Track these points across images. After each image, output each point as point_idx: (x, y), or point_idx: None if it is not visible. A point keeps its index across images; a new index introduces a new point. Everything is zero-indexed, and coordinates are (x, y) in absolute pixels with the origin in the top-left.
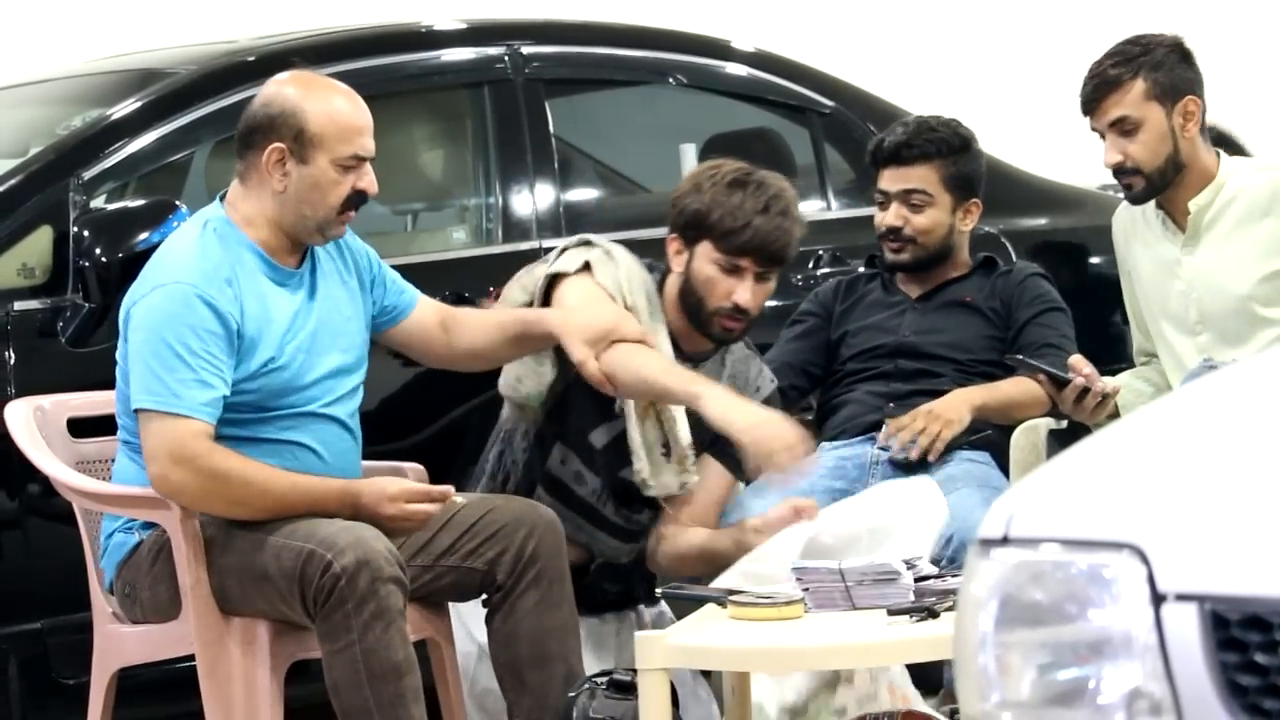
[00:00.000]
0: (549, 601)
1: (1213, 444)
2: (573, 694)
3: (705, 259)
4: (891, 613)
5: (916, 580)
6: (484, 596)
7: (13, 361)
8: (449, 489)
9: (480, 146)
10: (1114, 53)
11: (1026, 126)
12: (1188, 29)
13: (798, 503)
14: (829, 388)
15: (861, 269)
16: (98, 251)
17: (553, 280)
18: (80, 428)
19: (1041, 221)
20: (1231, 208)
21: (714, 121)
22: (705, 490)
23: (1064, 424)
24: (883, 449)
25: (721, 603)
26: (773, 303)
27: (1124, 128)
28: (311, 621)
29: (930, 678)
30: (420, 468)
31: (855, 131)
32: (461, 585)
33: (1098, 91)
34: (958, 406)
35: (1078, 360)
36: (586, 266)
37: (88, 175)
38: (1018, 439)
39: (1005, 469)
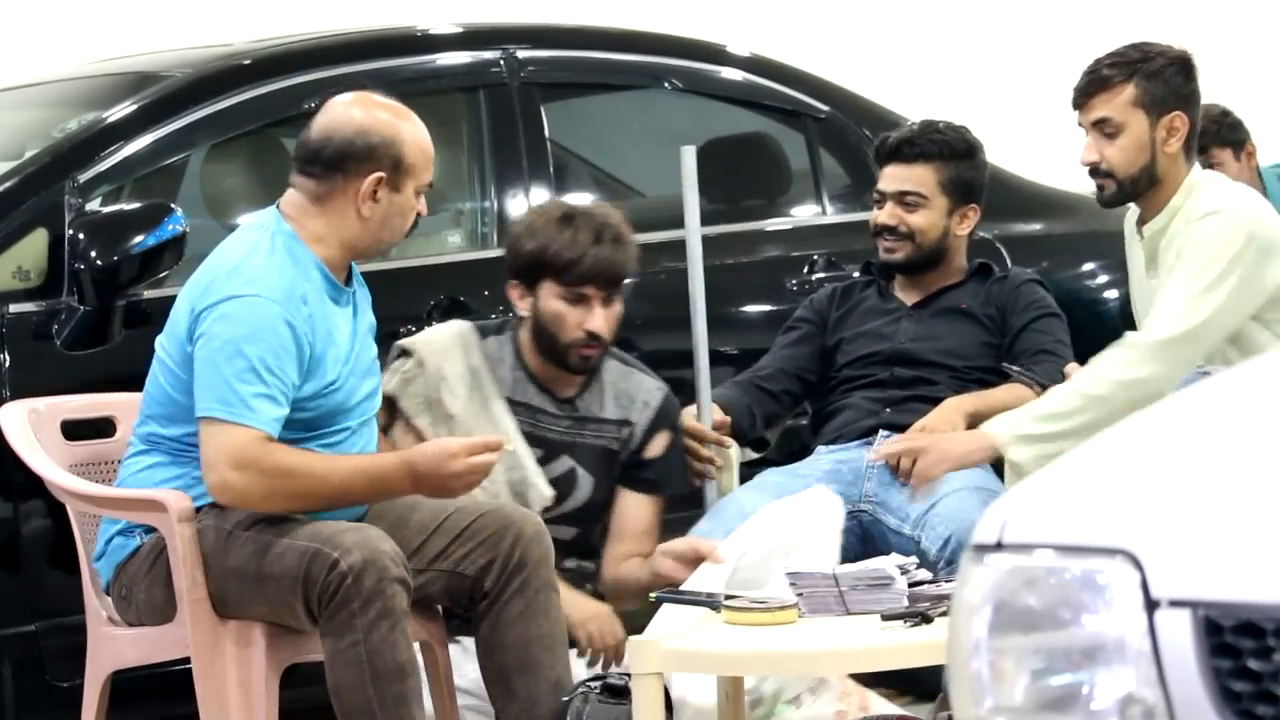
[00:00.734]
0: (535, 610)
1: (1206, 450)
2: (566, 698)
3: (550, 296)
4: (885, 618)
5: (910, 585)
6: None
7: (8, 364)
8: (502, 437)
9: (476, 150)
10: (1115, 53)
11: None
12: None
13: (700, 546)
14: (825, 394)
15: (856, 275)
16: (93, 254)
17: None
18: (75, 430)
19: (1037, 227)
20: (1175, 241)
21: (709, 126)
22: (631, 521)
23: None
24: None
25: (716, 607)
26: (767, 307)
27: (1105, 129)
28: (313, 622)
29: (924, 683)
30: None
31: (850, 136)
32: (453, 591)
33: (1088, 88)
34: (950, 417)
35: (1074, 369)
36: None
37: (83, 178)
38: None
39: (1000, 474)
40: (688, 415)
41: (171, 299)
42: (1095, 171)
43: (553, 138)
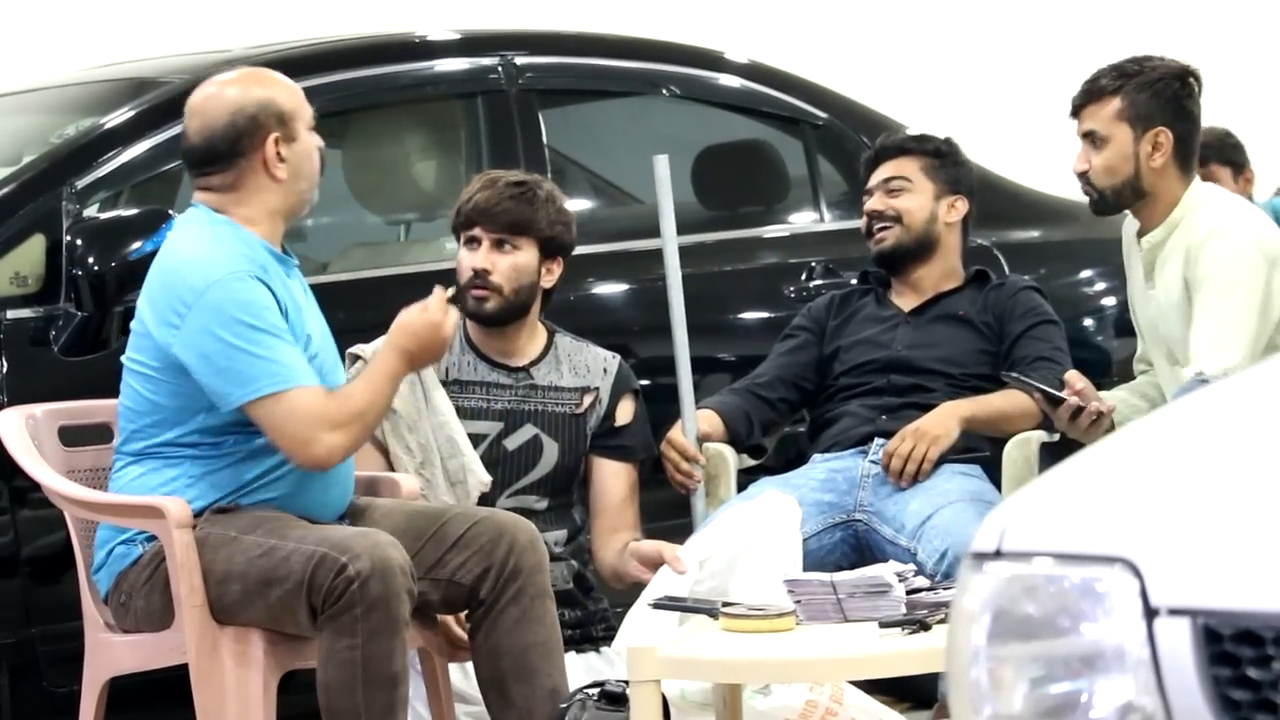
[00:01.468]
0: (531, 617)
1: (1206, 458)
2: (564, 705)
3: (459, 250)
4: (883, 625)
5: (908, 593)
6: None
7: (5, 370)
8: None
9: (474, 157)
10: (1113, 65)
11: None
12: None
13: (665, 552)
14: (822, 402)
15: (854, 282)
16: (91, 260)
17: None
18: (72, 436)
19: (1034, 234)
20: (1176, 254)
21: (707, 133)
22: (610, 493)
23: (1056, 437)
24: (873, 461)
25: (713, 614)
26: (765, 314)
27: (1093, 140)
28: (313, 624)
29: (922, 690)
30: (414, 481)
31: (848, 143)
32: (449, 599)
33: (1081, 99)
34: (945, 421)
35: (1073, 375)
36: None
37: (81, 184)
38: (1010, 452)
39: (997, 482)
40: (674, 430)
41: None
42: (1083, 179)
43: (550, 144)
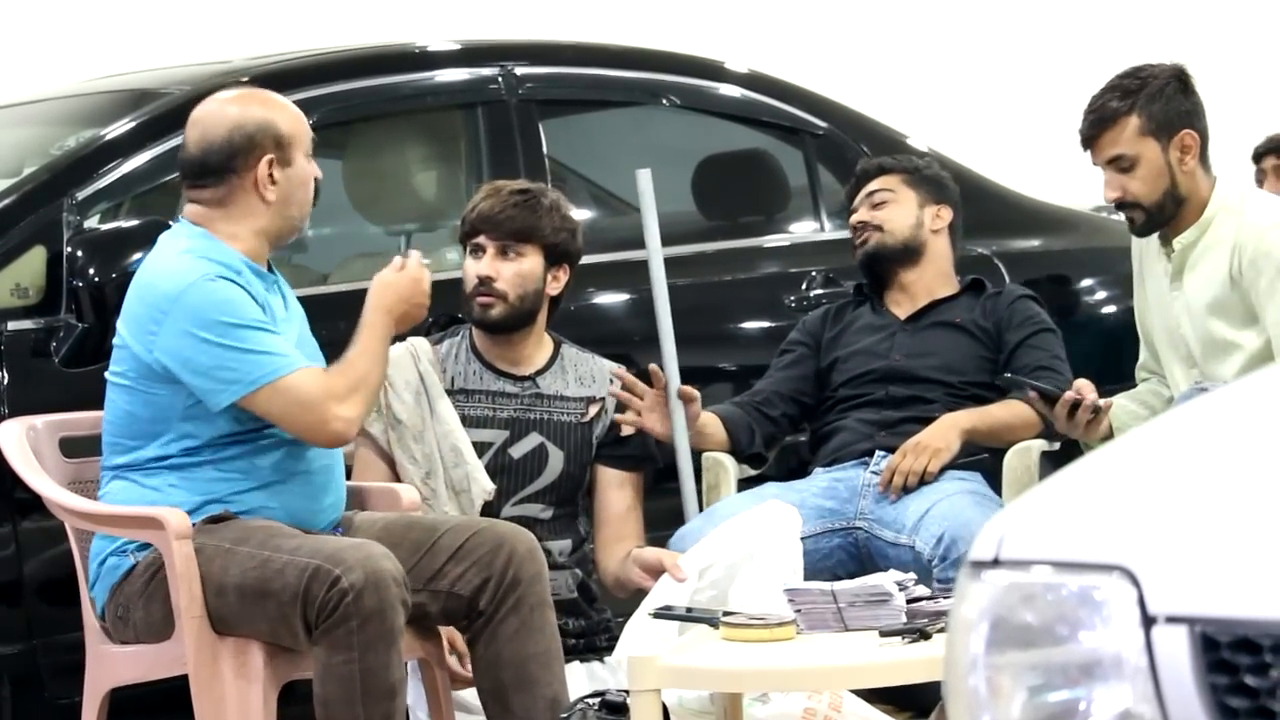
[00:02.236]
0: (530, 627)
1: (1204, 466)
2: (565, 715)
3: (465, 259)
4: (884, 634)
5: (909, 601)
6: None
7: (6, 381)
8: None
9: (474, 167)
10: (1110, 87)
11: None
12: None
13: (665, 560)
14: (821, 414)
15: (852, 292)
16: (91, 272)
17: None
18: (73, 447)
19: (1035, 243)
20: (1214, 252)
21: (707, 143)
22: (615, 503)
23: (1057, 445)
24: (875, 472)
25: (714, 624)
26: (765, 324)
27: (1121, 165)
28: (308, 637)
29: (922, 699)
30: (413, 492)
31: (848, 153)
32: (449, 610)
33: (1094, 129)
34: (946, 434)
35: (1083, 384)
36: None
37: (81, 195)
38: (1010, 461)
39: (998, 491)
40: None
41: None
42: (1121, 205)
43: (551, 154)
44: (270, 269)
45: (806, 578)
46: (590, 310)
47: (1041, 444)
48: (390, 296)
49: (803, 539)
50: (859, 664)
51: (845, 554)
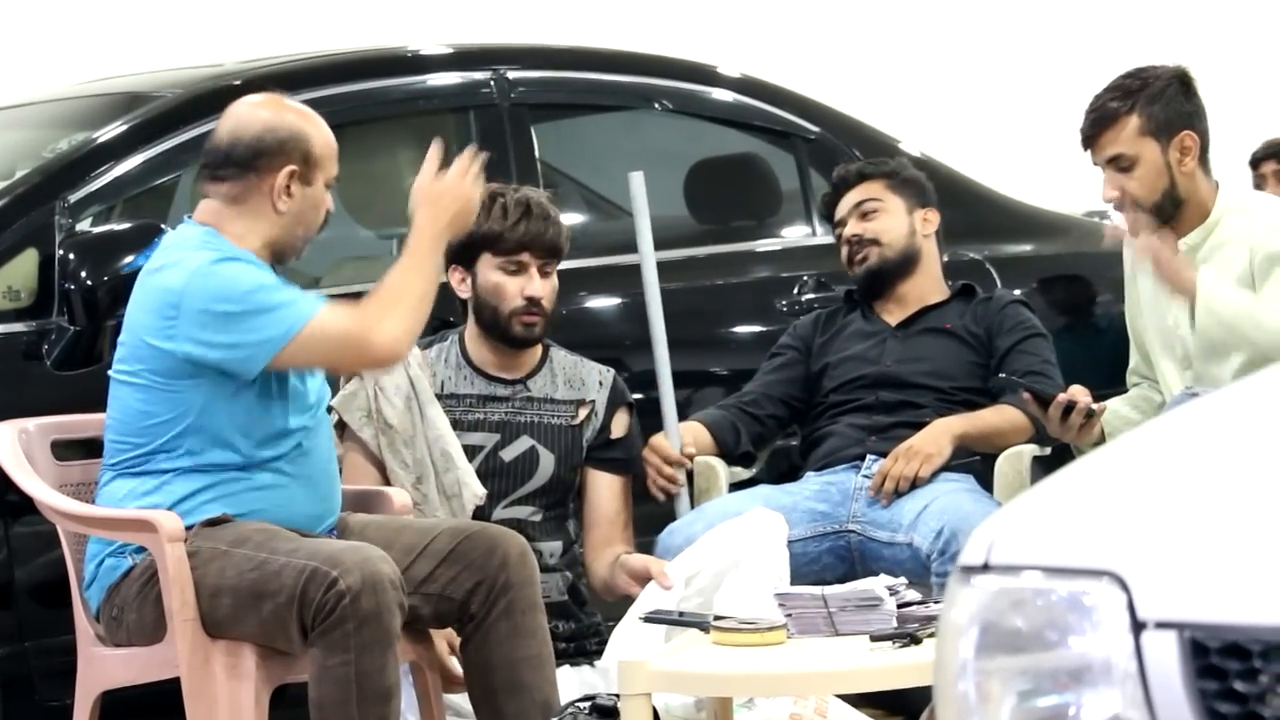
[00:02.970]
0: (522, 630)
1: (1193, 472)
2: (556, 718)
3: (488, 270)
4: (874, 638)
5: (899, 606)
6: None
7: None
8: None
9: None
10: (1112, 87)
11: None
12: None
13: (652, 568)
14: (812, 419)
15: (843, 297)
16: (83, 274)
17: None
18: (65, 450)
19: (1026, 248)
20: (1221, 252)
21: (699, 147)
22: (604, 505)
23: (1048, 450)
24: (866, 476)
25: (704, 628)
26: (757, 328)
27: (1120, 164)
28: (304, 639)
29: (913, 704)
30: (405, 495)
31: (840, 157)
32: (441, 613)
33: (1094, 128)
34: (937, 439)
35: (1078, 390)
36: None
37: (73, 198)
38: (1002, 465)
39: (987, 486)
40: (656, 436)
41: None
42: (1120, 206)
43: (543, 158)
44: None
45: (797, 581)
46: (583, 314)
47: (1033, 449)
48: (435, 205)
49: (793, 542)
50: (849, 669)
51: (835, 557)
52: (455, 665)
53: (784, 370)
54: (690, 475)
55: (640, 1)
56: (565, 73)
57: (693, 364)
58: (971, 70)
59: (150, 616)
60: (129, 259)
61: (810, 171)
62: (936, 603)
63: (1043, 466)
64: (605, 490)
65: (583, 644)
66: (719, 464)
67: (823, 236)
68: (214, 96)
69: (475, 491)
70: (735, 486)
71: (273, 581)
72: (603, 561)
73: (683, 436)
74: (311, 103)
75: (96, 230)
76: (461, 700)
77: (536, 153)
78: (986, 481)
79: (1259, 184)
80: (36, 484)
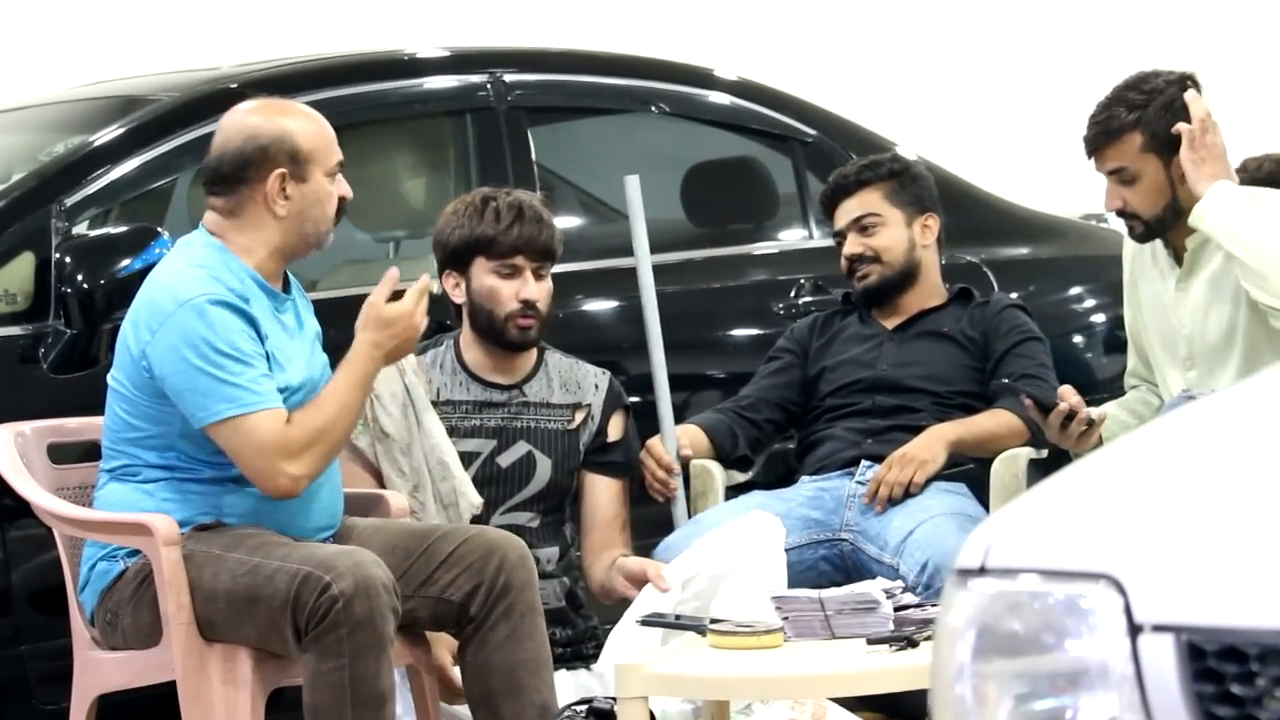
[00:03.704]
0: (520, 634)
1: (1190, 475)
2: None
3: (482, 274)
4: (871, 642)
5: (896, 609)
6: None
7: None
8: (425, 276)
9: (463, 174)
10: (1116, 98)
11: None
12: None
13: (650, 571)
14: (808, 423)
15: (840, 301)
16: (80, 278)
17: None
18: (61, 454)
19: (1024, 251)
20: (1223, 253)
21: (696, 150)
22: (603, 508)
23: (1044, 454)
24: (860, 483)
25: (701, 631)
26: (754, 331)
27: (1123, 177)
28: (298, 643)
29: (909, 707)
30: (403, 499)
31: (838, 160)
32: (439, 616)
33: (1097, 141)
34: (932, 446)
35: (1066, 390)
36: None
37: (70, 202)
38: (998, 469)
39: (985, 502)
40: (653, 439)
41: None
42: (1121, 214)
43: (539, 161)
44: (287, 285)
45: (791, 588)
46: (579, 317)
47: (1029, 452)
48: (378, 332)
49: (787, 550)
50: (846, 672)
51: (830, 565)
52: (457, 675)
53: (781, 374)
54: (686, 479)
55: (637, 4)
56: (562, 76)
57: (689, 367)
58: (968, 73)
59: (145, 620)
60: (125, 262)
61: (807, 175)
62: (933, 606)
63: (1039, 470)
64: (603, 493)
65: (579, 648)
66: (716, 467)
67: (820, 240)
68: (211, 100)
69: (472, 500)
70: (731, 490)
71: (266, 586)
72: (601, 564)
73: (679, 440)
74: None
75: (93, 234)
76: (461, 706)
77: (533, 156)
78: (983, 485)
79: None
80: (32, 487)
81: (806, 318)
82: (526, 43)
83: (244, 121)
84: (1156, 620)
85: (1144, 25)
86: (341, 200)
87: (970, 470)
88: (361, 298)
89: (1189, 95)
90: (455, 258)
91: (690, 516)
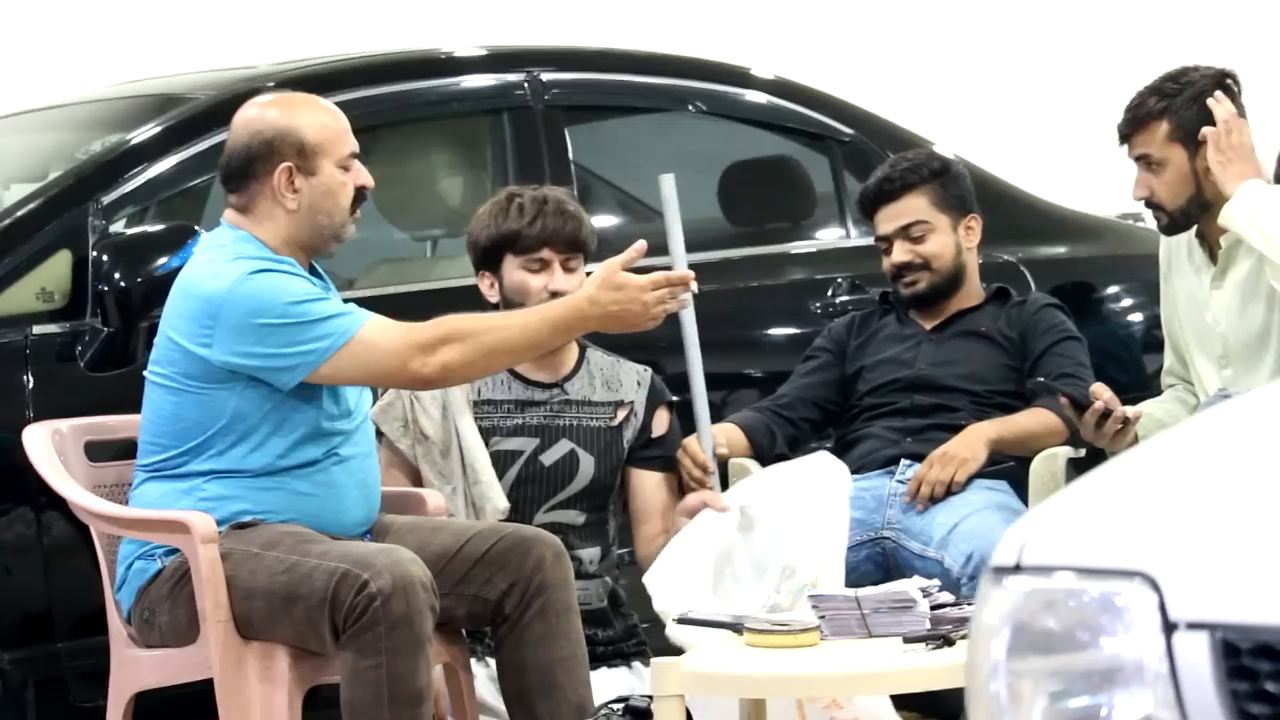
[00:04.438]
0: (556, 632)
1: (1225, 473)
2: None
3: (512, 270)
4: (907, 640)
5: (933, 608)
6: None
7: (31, 385)
8: (690, 274)
9: (500, 173)
10: (1152, 88)
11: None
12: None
13: (709, 500)
14: (846, 422)
15: (877, 300)
16: (117, 276)
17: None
18: (98, 451)
19: (1061, 250)
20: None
21: (733, 149)
22: (653, 500)
23: (1083, 452)
24: (901, 481)
25: (738, 630)
26: (791, 330)
27: (1149, 164)
28: (336, 641)
29: (947, 706)
30: (439, 497)
31: (874, 160)
32: (475, 614)
33: (1127, 127)
34: (972, 444)
35: (1099, 388)
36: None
37: (107, 200)
38: (1036, 468)
39: (1025, 499)
40: (689, 439)
41: None
42: (1148, 204)
43: (576, 160)
44: (315, 273)
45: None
46: None
47: (1068, 451)
48: (605, 290)
49: None
50: (882, 670)
51: (872, 564)
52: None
53: (818, 373)
54: (725, 477)
55: (674, 3)
56: (599, 75)
57: (727, 366)
58: (1003, 71)
59: (182, 619)
60: (163, 260)
61: (845, 174)
62: (970, 604)
63: (1077, 469)
64: (653, 487)
65: (620, 646)
66: (754, 466)
67: (857, 239)
68: (247, 98)
69: (498, 505)
70: None
71: (304, 584)
72: (657, 549)
73: (716, 438)
74: (345, 104)
75: (130, 232)
76: (496, 700)
77: (570, 154)
78: (1022, 484)
79: None
80: (70, 485)
81: (844, 317)
82: (563, 42)
83: (251, 117)
84: (1191, 618)
85: (1181, 20)
86: (361, 190)
87: (1010, 469)
88: (398, 297)
89: (1212, 98)
90: (486, 257)
91: None
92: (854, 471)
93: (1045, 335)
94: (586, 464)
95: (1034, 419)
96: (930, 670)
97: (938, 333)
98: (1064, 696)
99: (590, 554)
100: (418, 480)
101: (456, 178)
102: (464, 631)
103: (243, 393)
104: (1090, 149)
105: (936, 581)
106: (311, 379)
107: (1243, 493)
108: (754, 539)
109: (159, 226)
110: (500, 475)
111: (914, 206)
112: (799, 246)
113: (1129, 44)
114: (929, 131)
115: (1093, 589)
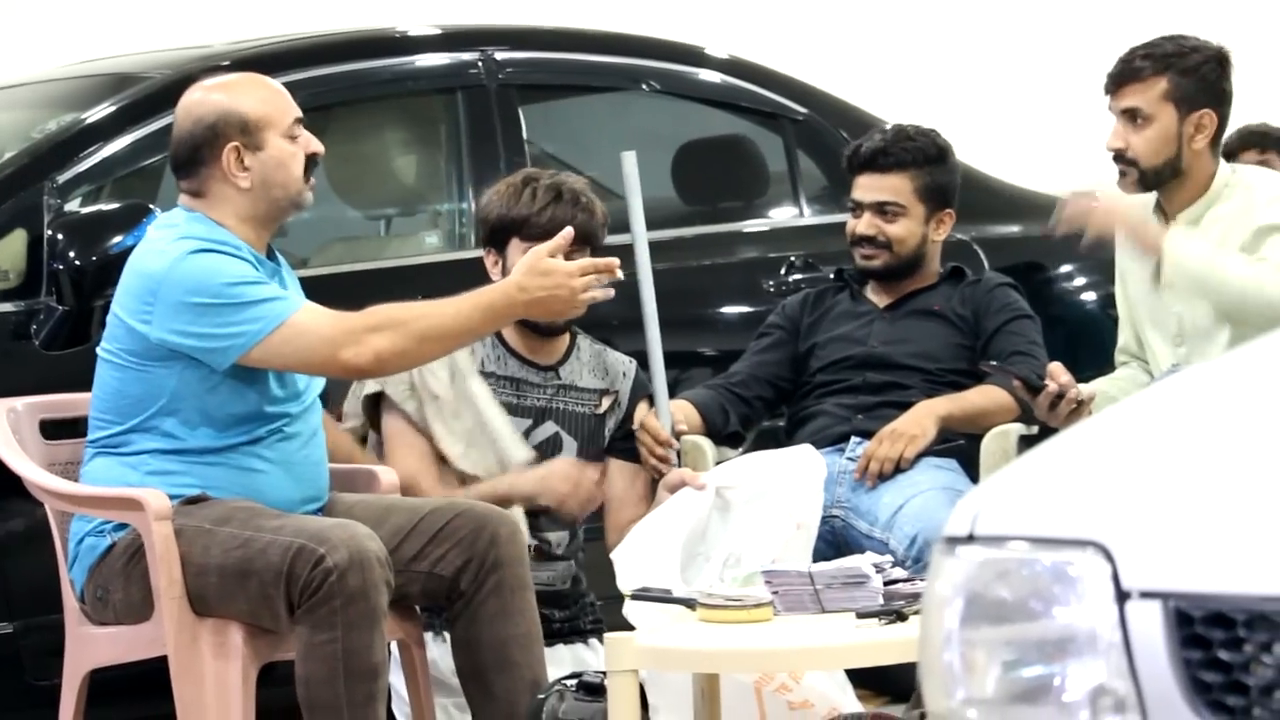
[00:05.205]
0: (511, 609)
1: (1178, 443)
2: (541, 695)
3: (517, 254)
4: (860, 615)
5: (886, 583)
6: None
7: None
8: (615, 261)
9: (454, 152)
10: (1151, 44)
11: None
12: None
13: (688, 478)
14: (798, 399)
15: (831, 277)
16: (72, 255)
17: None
18: (53, 429)
19: (1014, 229)
20: (1217, 227)
21: (687, 128)
22: (629, 490)
23: (1034, 430)
24: (850, 459)
25: (691, 605)
26: (744, 308)
27: (1134, 118)
28: (291, 617)
29: (898, 682)
30: (392, 474)
31: (828, 139)
32: (430, 591)
33: (1120, 77)
34: (921, 421)
35: (1056, 367)
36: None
37: (62, 179)
38: (988, 444)
39: (975, 477)
40: (647, 415)
41: None
42: (1119, 158)
43: (530, 139)
44: (272, 254)
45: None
46: None
47: (1020, 428)
48: (532, 277)
49: None
50: (835, 645)
51: (822, 541)
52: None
53: (771, 351)
54: (679, 454)
55: None
56: (553, 54)
57: (680, 344)
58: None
59: (136, 595)
60: (117, 239)
61: (798, 153)
62: (922, 580)
63: (1029, 445)
64: (631, 478)
65: (576, 623)
66: (707, 444)
67: (810, 218)
68: (202, 78)
69: (517, 457)
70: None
71: (259, 559)
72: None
73: (674, 415)
74: (299, 84)
75: (85, 211)
76: (450, 677)
77: (524, 134)
78: (973, 461)
79: None
80: (24, 462)
81: (797, 294)
82: (518, 20)
83: (191, 104)
84: (1144, 587)
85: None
86: (312, 156)
87: (961, 446)
88: (351, 275)
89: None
90: (493, 236)
91: None
92: None
93: (998, 314)
94: (569, 449)
95: (984, 396)
96: (883, 645)
97: (891, 311)
98: (1017, 666)
99: (558, 537)
100: (429, 439)
101: (411, 157)
102: (418, 608)
103: (182, 373)
104: (1043, 126)
105: (889, 558)
106: (244, 361)
107: (1195, 463)
108: (726, 522)
109: (114, 205)
110: None
111: (896, 186)
112: (752, 225)
113: (1085, 21)
114: (883, 110)
115: (1045, 559)
